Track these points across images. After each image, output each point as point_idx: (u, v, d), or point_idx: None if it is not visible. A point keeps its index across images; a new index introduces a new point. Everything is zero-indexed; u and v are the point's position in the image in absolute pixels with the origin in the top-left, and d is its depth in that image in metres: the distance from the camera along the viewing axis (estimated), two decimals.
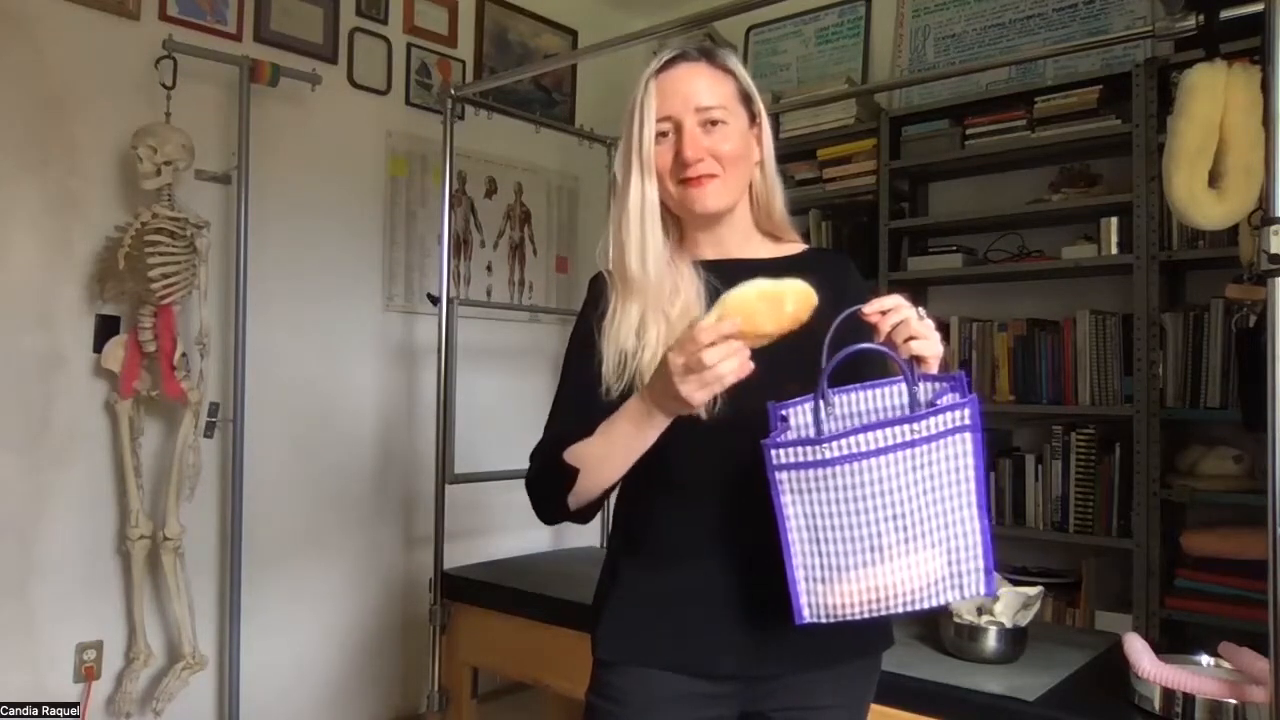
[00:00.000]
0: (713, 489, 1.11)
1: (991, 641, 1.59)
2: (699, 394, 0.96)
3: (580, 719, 1.20)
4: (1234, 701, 1.31)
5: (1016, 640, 1.61)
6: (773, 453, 0.96)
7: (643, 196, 1.14)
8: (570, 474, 1.09)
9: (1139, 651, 1.41)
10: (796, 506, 0.96)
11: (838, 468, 0.93)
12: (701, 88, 1.14)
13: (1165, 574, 2.43)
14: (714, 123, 1.14)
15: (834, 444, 0.93)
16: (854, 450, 0.93)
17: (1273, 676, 1.17)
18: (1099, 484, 2.58)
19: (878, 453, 0.93)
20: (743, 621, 1.10)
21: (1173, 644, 1.99)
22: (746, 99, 1.19)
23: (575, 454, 1.10)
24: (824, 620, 0.97)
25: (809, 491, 0.95)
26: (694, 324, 0.98)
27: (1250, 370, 1.90)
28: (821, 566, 0.96)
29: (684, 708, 1.12)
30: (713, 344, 0.94)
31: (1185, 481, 2.43)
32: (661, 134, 1.14)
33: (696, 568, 1.12)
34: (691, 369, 0.95)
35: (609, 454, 1.08)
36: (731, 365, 0.95)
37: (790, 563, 0.97)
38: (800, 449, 0.95)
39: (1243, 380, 2.14)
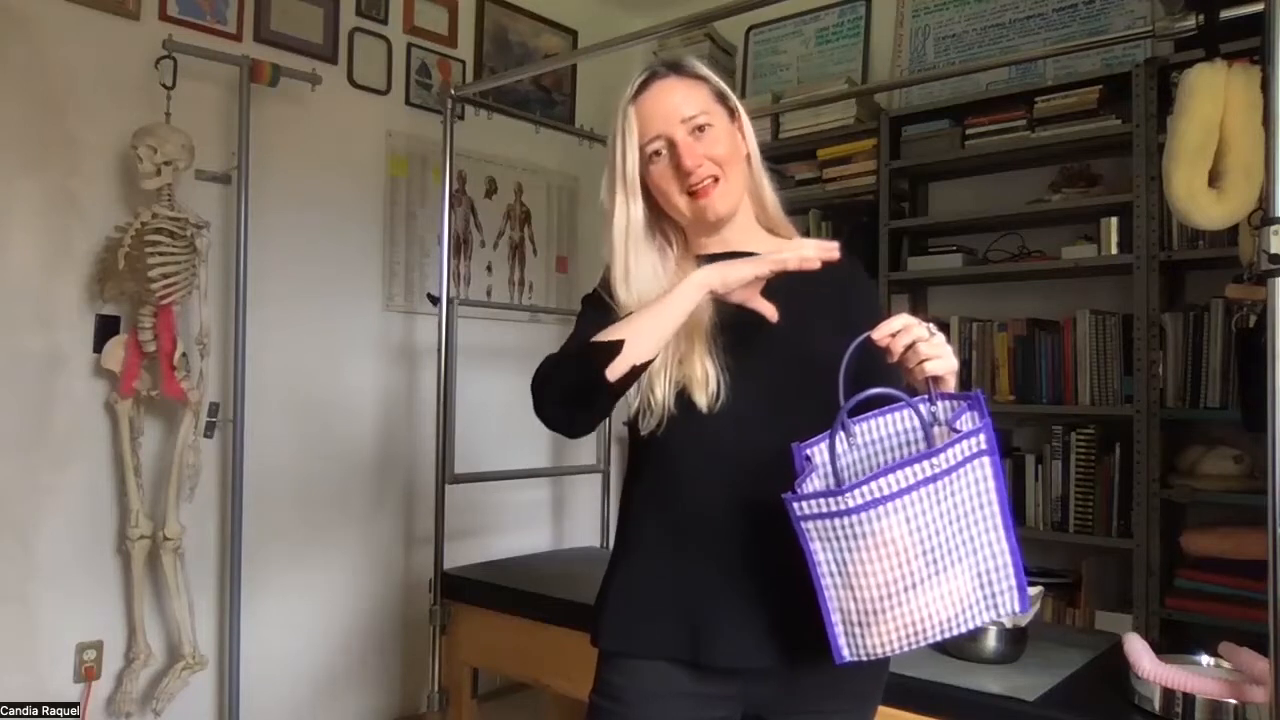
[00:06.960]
0: (713, 484, 1.12)
1: (991, 641, 1.59)
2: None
3: (580, 719, 1.20)
4: (1234, 701, 1.31)
5: (1016, 640, 1.61)
6: (795, 506, 0.95)
7: (627, 218, 1.15)
8: (591, 350, 1.05)
9: (1139, 651, 1.41)
10: (826, 554, 0.95)
11: (862, 514, 0.92)
12: (679, 100, 1.15)
13: (1165, 574, 2.43)
14: (701, 128, 1.15)
15: (855, 493, 0.91)
16: (877, 495, 0.91)
17: (1273, 676, 1.17)
18: (1099, 484, 2.58)
19: (901, 494, 0.91)
20: (744, 614, 1.10)
21: (1173, 644, 1.99)
22: (722, 98, 1.20)
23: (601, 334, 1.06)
24: (864, 659, 0.97)
25: (837, 539, 0.94)
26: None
27: (1250, 371, 1.90)
28: (858, 611, 0.95)
29: (686, 706, 1.12)
30: None
31: (1185, 481, 2.43)
32: (655, 154, 1.15)
33: (697, 561, 1.13)
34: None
35: (639, 325, 1.05)
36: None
37: (826, 607, 0.97)
38: (822, 500, 0.93)
39: (1242, 380, 2.14)
